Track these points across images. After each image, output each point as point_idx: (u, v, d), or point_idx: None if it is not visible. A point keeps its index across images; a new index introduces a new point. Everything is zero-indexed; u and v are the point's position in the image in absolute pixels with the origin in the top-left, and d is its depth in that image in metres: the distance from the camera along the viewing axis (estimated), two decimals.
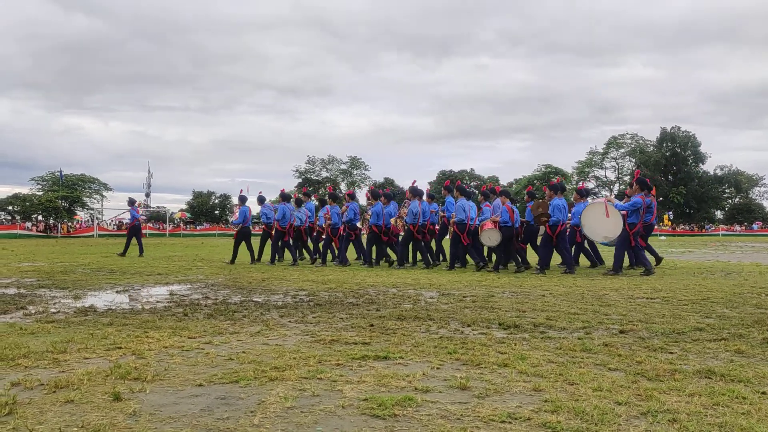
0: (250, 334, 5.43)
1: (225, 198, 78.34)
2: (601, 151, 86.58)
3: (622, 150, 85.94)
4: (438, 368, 4.14)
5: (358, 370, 4.09)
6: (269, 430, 2.90)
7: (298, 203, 16.29)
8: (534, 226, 13.43)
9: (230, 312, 6.70)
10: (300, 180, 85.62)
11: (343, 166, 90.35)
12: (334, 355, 4.49)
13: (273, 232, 15.94)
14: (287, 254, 16.46)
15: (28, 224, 55.59)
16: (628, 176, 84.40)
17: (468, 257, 14.22)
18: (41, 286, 9.53)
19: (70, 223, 56.27)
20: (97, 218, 61.42)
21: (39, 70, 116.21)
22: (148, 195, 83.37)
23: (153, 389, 3.59)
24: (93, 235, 50.09)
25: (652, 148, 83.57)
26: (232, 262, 15.52)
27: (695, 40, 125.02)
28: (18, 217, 60.44)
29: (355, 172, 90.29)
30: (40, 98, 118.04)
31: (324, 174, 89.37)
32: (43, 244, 32.25)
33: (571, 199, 14.64)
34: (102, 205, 70.94)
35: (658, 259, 13.60)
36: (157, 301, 7.77)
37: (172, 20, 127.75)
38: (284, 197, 16.27)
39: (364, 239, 15.75)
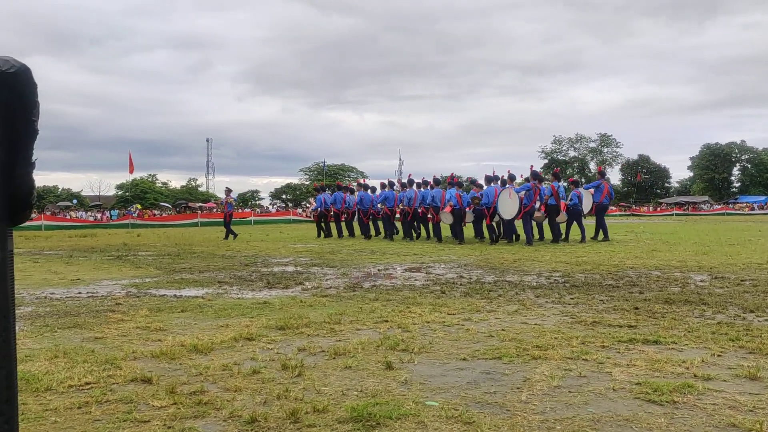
0: (507, 312, 5.43)
1: (471, 182, 79.67)
2: None
3: None
4: (719, 356, 3.76)
5: (626, 353, 3.87)
6: (538, 408, 2.86)
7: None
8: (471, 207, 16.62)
9: (485, 291, 6.78)
10: (546, 161, 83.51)
11: (592, 144, 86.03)
12: (598, 337, 4.31)
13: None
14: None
15: (299, 210, 61.90)
16: None
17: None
18: (314, 265, 10.54)
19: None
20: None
21: (304, 69, 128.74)
22: None
23: (420, 360, 3.76)
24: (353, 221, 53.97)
25: None
26: (318, 236, 20.59)
27: None
28: (290, 204, 67.66)
29: (606, 150, 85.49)
30: (305, 96, 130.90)
31: (571, 153, 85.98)
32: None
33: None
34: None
35: (563, 238, 15.89)
36: (416, 280, 8.14)
37: (420, 10, 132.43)
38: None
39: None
